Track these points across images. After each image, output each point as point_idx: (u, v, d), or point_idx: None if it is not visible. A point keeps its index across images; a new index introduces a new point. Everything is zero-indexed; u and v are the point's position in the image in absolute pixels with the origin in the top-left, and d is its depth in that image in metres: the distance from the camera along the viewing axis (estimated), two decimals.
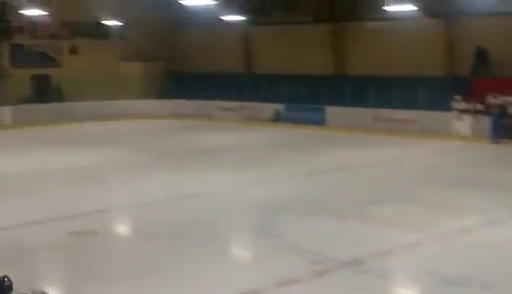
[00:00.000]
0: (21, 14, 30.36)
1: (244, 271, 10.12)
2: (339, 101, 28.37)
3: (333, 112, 28.78)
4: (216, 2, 22.72)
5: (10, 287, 5.92)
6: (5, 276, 5.98)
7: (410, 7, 24.12)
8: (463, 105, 24.65)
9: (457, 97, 24.79)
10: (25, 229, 12.66)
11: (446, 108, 24.90)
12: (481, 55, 25.85)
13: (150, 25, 34.83)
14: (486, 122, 23.66)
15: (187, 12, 28.37)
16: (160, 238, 11.82)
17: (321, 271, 9.69)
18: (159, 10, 32.56)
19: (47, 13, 29.80)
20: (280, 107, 30.80)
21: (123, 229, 13.84)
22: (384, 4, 24.53)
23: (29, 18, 31.39)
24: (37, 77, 34.04)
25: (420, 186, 16.14)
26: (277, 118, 30.73)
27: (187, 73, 34.80)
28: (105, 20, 34.01)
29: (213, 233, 12.18)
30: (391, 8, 24.84)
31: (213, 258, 10.42)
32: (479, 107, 24.21)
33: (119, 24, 34.54)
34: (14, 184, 17.42)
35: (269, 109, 31.04)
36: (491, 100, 23.99)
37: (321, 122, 29.03)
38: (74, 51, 35.57)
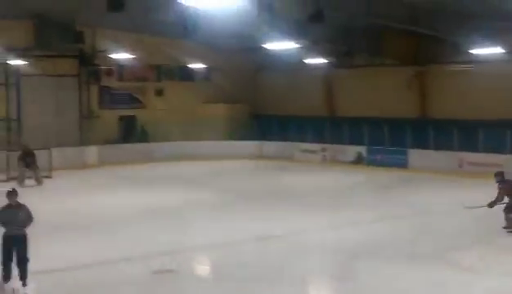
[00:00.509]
0: (110, 57, 31.41)
1: None
2: (422, 144, 27.93)
3: (415, 155, 28.36)
4: (299, 46, 22.90)
5: None
6: None
7: (496, 50, 23.60)
8: None
9: None
10: (107, 266, 12.90)
11: None
12: None
13: (234, 68, 35.44)
14: None
15: (270, 56, 28.70)
16: (236, 281, 11.80)
17: None
18: (242, 53, 33.13)
19: (134, 56, 30.77)
20: (362, 149, 30.58)
21: (200, 269, 13.87)
22: (469, 47, 24.13)
23: (117, 61, 32.43)
24: (123, 118, 35.06)
25: (504, 231, 15.59)
26: (359, 161, 30.48)
27: (269, 116, 35.10)
28: (190, 63, 34.82)
29: (289, 276, 12.07)
30: (476, 51, 24.39)
31: None
32: None
33: (203, 66, 35.27)
34: (96, 222, 17.82)
35: (351, 151, 30.87)
36: None
37: (403, 164, 28.63)
38: (159, 92, 36.47)
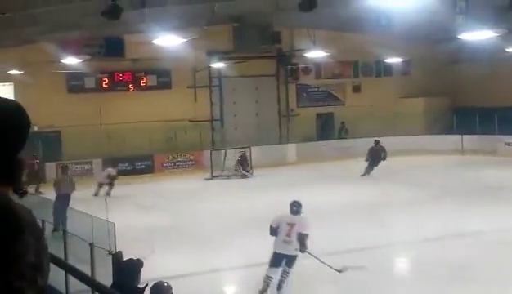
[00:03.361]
0: (306, 56, 31.85)
1: None
2: None
3: None
4: (497, 34, 21.71)
5: None
6: None
7: None
8: None
9: None
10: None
11: None
12: None
13: (432, 61, 34.45)
14: None
15: (468, 46, 27.53)
16: (434, 279, 11.47)
17: None
18: (439, 45, 32.11)
19: (330, 54, 30.95)
20: None
21: (397, 266, 13.68)
22: None
23: (314, 59, 32.81)
24: (321, 115, 35.46)
25: None
26: None
27: (470, 108, 33.65)
28: (386, 58, 34.40)
29: (492, 274, 11.52)
30: None
31: None
32: None
33: (400, 60, 34.67)
34: None
35: None
36: None
37: None
38: (356, 89, 36.44)
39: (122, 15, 15.98)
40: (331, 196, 21.93)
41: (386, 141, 32.17)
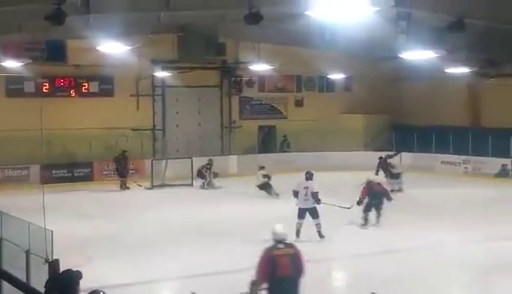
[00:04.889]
0: (250, 68, 32.00)
1: None
2: None
3: None
4: (437, 55, 22.28)
5: None
6: None
7: None
8: None
9: None
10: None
11: None
12: None
13: (373, 78, 35.03)
14: None
15: (410, 65, 28.13)
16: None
17: None
18: (381, 63, 32.73)
19: (274, 67, 31.16)
20: (508, 161, 29.25)
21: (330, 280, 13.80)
22: None
23: (258, 72, 32.97)
24: (263, 128, 35.65)
25: None
26: (505, 174, 29.20)
27: (410, 126, 34.33)
28: (329, 73, 34.85)
29: (423, 289, 11.78)
30: None
31: None
32: None
33: (343, 76, 35.17)
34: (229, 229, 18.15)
35: (496, 163, 29.61)
36: None
37: None
38: (299, 103, 36.77)
39: (66, 20, 15.76)
40: (269, 209, 21.94)
41: (328, 156, 32.62)
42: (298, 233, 16.35)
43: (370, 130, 35.32)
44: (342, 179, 29.19)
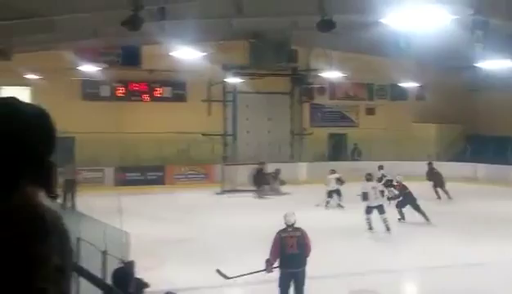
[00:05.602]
0: (321, 76, 31.90)
1: None
2: None
3: None
4: None
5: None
6: None
7: None
8: None
9: None
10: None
11: None
12: None
13: (447, 87, 34.41)
14: None
15: (485, 74, 27.50)
16: None
17: None
18: (456, 72, 32.13)
19: (345, 75, 30.99)
20: None
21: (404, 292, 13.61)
22: None
23: (329, 79, 32.85)
24: (334, 135, 35.49)
25: None
26: None
27: (485, 137, 33.56)
28: (402, 81, 34.44)
29: None
30: None
31: None
32: None
33: (416, 85, 34.70)
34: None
35: None
36: None
37: None
38: (370, 111, 36.47)
39: (141, 26, 16.03)
40: (339, 216, 21.83)
41: (398, 165, 32.07)
42: (370, 226, 19.04)
43: (442, 140, 34.70)
44: (416, 189, 28.68)
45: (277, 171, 28.73)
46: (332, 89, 35.42)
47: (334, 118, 36.11)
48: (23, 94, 27.15)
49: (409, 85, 34.73)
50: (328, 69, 30.52)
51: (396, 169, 31.60)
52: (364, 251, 16.46)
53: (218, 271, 12.35)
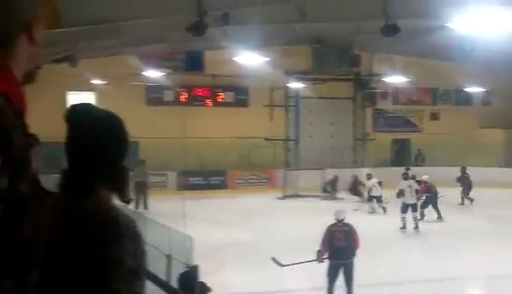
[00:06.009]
0: (384, 81, 31.61)
1: None
2: None
3: None
4: None
5: None
6: None
7: None
8: None
9: None
10: None
11: None
12: None
13: None
14: None
15: None
16: None
17: None
18: None
19: (409, 79, 30.62)
20: None
21: None
22: None
23: (392, 84, 32.52)
24: (397, 141, 35.09)
25: None
26: None
27: None
28: (467, 86, 33.82)
29: None
30: None
31: None
32: None
33: (481, 90, 34.03)
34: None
35: None
36: None
37: None
38: (434, 116, 35.93)
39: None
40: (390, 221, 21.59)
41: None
42: (404, 225, 20.05)
43: (510, 145, 33.89)
44: (483, 195, 28.16)
45: (335, 178, 28.61)
46: (395, 94, 35.05)
47: (398, 123, 35.71)
48: (88, 99, 27.81)
49: (474, 90, 34.06)
50: (391, 73, 30.19)
51: (455, 174, 31.15)
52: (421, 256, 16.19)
53: (274, 259, 13.08)
